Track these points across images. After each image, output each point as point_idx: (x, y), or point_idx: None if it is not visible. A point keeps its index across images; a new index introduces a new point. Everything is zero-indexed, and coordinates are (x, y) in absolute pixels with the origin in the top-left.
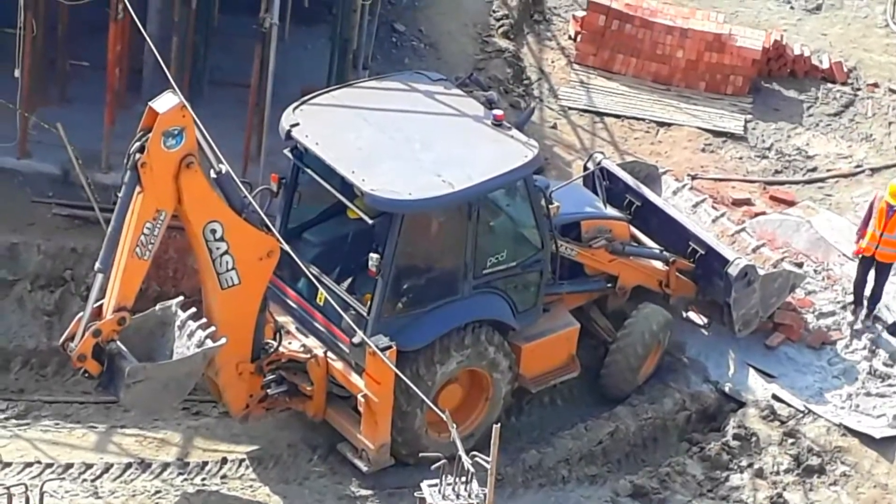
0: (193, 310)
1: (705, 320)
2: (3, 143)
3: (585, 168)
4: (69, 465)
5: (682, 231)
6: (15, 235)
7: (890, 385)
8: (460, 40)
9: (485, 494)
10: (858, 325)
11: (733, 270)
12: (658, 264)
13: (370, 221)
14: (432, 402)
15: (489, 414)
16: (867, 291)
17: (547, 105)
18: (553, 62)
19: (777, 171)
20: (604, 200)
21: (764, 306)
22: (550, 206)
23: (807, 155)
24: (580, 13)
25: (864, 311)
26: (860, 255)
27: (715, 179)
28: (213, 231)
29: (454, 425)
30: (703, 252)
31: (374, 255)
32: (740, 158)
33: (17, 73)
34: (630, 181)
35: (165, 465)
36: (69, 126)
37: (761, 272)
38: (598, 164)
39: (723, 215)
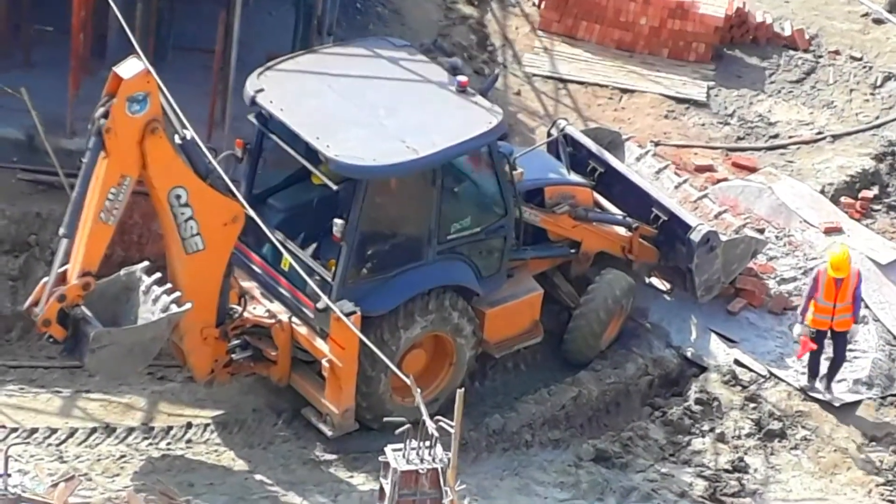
0: (158, 275)
1: (668, 286)
2: None
3: (549, 134)
4: (34, 430)
5: (645, 197)
6: None
7: (850, 350)
8: (424, 6)
9: (448, 459)
10: (828, 396)
11: (695, 236)
12: (621, 230)
13: (334, 187)
14: (396, 366)
15: (453, 379)
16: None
17: (511, 71)
18: (517, 29)
19: (739, 138)
20: (567, 167)
21: (726, 272)
22: (514, 172)
23: (769, 122)
24: None
25: (823, 382)
26: (816, 330)
27: (677, 146)
28: (178, 196)
29: (418, 390)
30: (665, 218)
31: (338, 221)
32: (703, 125)
33: None
34: (593, 147)
35: (130, 430)
36: (33, 91)
37: (723, 238)
38: (562, 130)
39: (685, 181)
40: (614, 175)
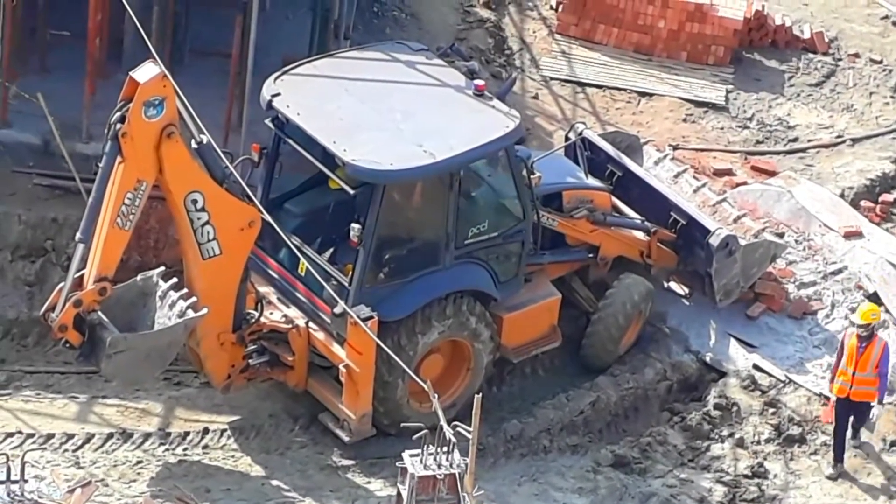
0: (175, 280)
1: (687, 290)
2: None
3: (567, 138)
4: (50, 436)
5: (664, 201)
6: None
7: None
8: (441, 10)
9: (466, 464)
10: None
11: (714, 241)
12: (640, 234)
13: (351, 192)
14: (414, 372)
15: (471, 384)
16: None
17: (528, 75)
18: (534, 32)
19: (758, 142)
20: (585, 171)
21: (745, 276)
22: (532, 177)
23: (788, 125)
24: None
25: (851, 435)
26: (837, 398)
27: (696, 150)
28: (195, 201)
29: (436, 395)
30: (684, 222)
31: (355, 226)
32: (721, 129)
33: None
34: (612, 151)
35: (147, 436)
36: (50, 96)
37: (742, 242)
38: (580, 134)
39: (704, 185)
40: (633, 179)
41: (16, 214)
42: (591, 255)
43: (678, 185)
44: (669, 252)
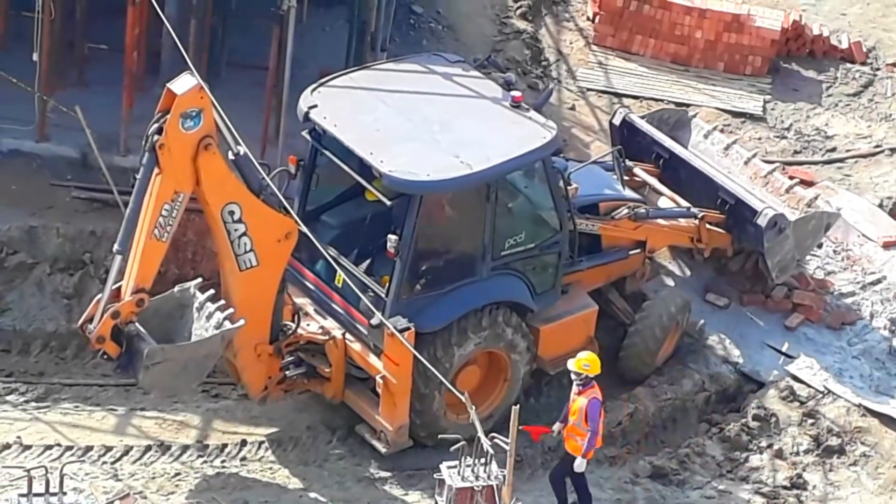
0: (212, 291)
1: (725, 301)
2: (22, 127)
3: (611, 123)
4: (89, 448)
5: (711, 182)
6: (34, 219)
7: None
8: (478, 22)
9: (504, 476)
10: None
11: (762, 221)
12: (686, 222)
13: (388, 203)
14: (451, 383)
15: (508, 395)
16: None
17: (565, 86)
18: (571, 43)
19: (796, 152)
20: (622, 182)
21: (800, 250)
22: (569, 188)
23: (826, 135)
24: None
25: None
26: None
27: None
28: (232, 213)
29: (473, 407)
30: (732, 202)
31: (392, 237)
32: (759, 139)
33: (35, 56)
34: (657, 135)
35: (185, 448)
36: (87, 109)
37: (792, 218)
38: (624, 118)
39: (755, 156)
40: (679, 161)
41: (54, 227)
42: (632, 252)
43: (729, 157)
44: (721, 233)
